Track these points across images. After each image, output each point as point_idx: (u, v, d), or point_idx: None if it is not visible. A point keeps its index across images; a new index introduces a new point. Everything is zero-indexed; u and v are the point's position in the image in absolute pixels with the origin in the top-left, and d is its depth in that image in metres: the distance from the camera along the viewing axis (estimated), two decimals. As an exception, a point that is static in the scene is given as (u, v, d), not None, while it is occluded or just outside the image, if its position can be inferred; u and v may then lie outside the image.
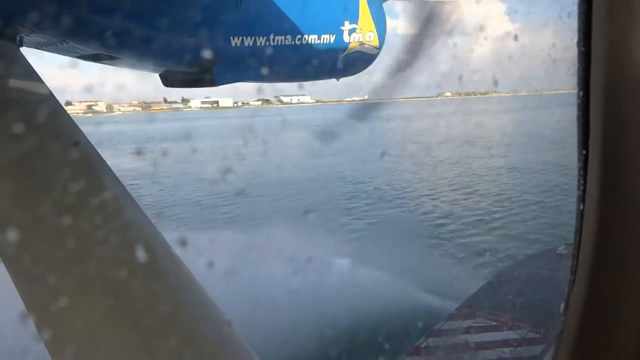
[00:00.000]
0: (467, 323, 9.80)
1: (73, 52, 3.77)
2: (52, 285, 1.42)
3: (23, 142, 1.55)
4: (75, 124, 2.21)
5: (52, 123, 1.84)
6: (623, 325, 0.91)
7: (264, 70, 4.43)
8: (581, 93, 0.87)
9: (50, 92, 2.00)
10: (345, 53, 5.00)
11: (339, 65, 5.08)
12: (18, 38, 2.94)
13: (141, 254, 1.61)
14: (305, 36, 4.55)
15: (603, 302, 0.93)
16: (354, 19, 4.98)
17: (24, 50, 3.13)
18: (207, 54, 4.04)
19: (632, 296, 0.89)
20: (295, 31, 4.45)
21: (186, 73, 4.47)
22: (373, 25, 5.15)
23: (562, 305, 1.02)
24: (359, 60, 5.22)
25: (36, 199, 1.58)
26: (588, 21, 0.83)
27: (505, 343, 8.92)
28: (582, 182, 0.92)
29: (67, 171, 1.71)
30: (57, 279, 1.43)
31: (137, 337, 1.50)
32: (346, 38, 4.96)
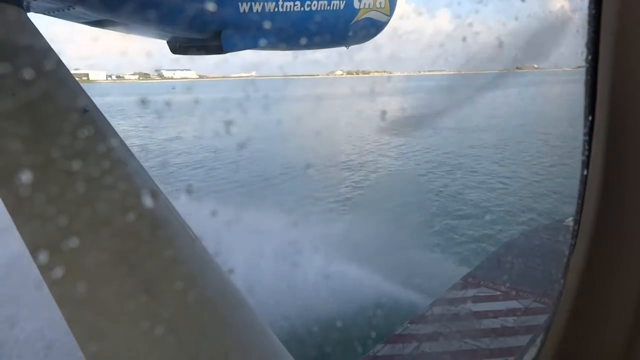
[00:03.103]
0: (472, 292, 9.94)
1: (80, 17, 3.74)
2: (64, 226, 1.47)
3: (32, 87, 1.58)
4: (84, 91, 2.23)
5: (59, 72, 1.87)
6: (622, 287, 0.93)
7: (273, 37, 4.38)
8: (590, 57, 0.86)
9: (57, 56, 2.02)
10: (355, 20, 4.92)
11: (349, 32, 5.00)
12: (25, 3, 2.92)
13: (148, 201, 1.67)
14: (315, 2, 4.47)
15: (603, 265, 0.95)
16: (364, -16, 4.87)
17: (31, 15, 3.12)
18: (214, 20, 3.99)
19: (631, 259, 0.90)
20: None
21: (194, 40, 4.43)
22: (383, -9, 5.04)
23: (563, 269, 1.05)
24: (369, 27, 5.13)
25: (47, 142, 1.63)
26: None
27: (509, 312, 9.07)
28: (587, 147, 0.93)
29: (75, 117, 1.76)
30: (68, 219, 1.49)
31: (143, 279, 1.57)
32: (356, 4, 4.86)
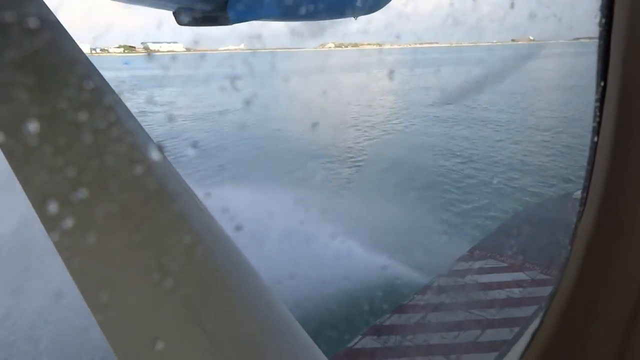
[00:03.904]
0: (478, 264, 10.03)
1: None
2: (74, 177, 1.47)
3: (37, 37, 1.56)
4: (91, 62, 2.22)
5: (62, 26, 1.85)
6: (630, 254, 0.94)
7: (280, 7, 4.30)
8: (603, 20, 0.85)
9: (65, 30, 2.00)
10: (364, -12, 4.80)
11: (357, 2, 4.89)
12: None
13: (155, 154, 1.66)
14: None
15: (611, 233, 0.96)
16: (374, -49, 4.73)
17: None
18: (221, -11, 3.91)
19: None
20: None
21: (200, 11, 4.36)
22: (393, -42, 4.90)
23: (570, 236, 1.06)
24: None
25: (54, 93, 1.60)
26: None
27: (515, 284, 9.16)
28: (598, 114, 0.92)
29: (81, 69, 1.73)
30: (77, 171, 1.48)
31: (152, 232, 1.57)
32: None
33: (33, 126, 1.48)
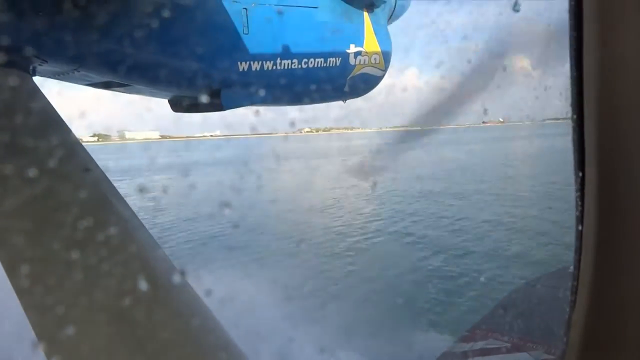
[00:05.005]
0: (480, 345, 9.60)
1: (85, 80, 3.87)
2: (62, 315, 1.51)
3: (36, 184, 1.68)
4: (86, 151, 2.27)
5: (63, 164, 1.97)
6: (624, 341, 0.91)
7: (271, 94, 4.51)
8: (575, 116, 0.88)
9: (63, 121, 2.07)
10: (351, 75, 5.08)
11: (345, 88, 5.15)
12: (31, 67, 3.03)
13: (143, 285, 1.70)
14: (312, 60, 4.63)
15: (604, 322, 0.93)
16: (360, 42, 5.08)
17: (37, 79, 3.23)
18: (215, 79, 4.12)
19: (631, 312, 0.89)
20: (301, 55, 4.53)
21: (195, 98, 4.55)
22: (378, 48, 5.24)
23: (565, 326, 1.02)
24: (365, 82, 5.29)
25: (48, 236, 1.72)
26: (579, 17, 0.85)
27: None
28: (579, 203, 0.93)
29: (76, 210, 1.84)
30: (66, 309, 1.53)
31: None
32: (352, 61, 5.04)
33: (25, 270, 1.56)
